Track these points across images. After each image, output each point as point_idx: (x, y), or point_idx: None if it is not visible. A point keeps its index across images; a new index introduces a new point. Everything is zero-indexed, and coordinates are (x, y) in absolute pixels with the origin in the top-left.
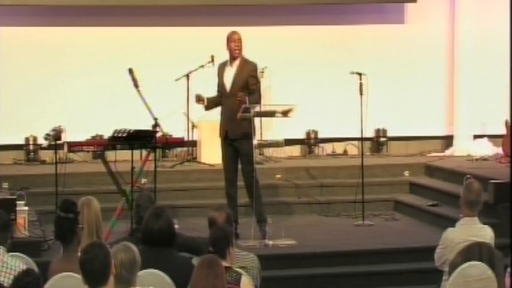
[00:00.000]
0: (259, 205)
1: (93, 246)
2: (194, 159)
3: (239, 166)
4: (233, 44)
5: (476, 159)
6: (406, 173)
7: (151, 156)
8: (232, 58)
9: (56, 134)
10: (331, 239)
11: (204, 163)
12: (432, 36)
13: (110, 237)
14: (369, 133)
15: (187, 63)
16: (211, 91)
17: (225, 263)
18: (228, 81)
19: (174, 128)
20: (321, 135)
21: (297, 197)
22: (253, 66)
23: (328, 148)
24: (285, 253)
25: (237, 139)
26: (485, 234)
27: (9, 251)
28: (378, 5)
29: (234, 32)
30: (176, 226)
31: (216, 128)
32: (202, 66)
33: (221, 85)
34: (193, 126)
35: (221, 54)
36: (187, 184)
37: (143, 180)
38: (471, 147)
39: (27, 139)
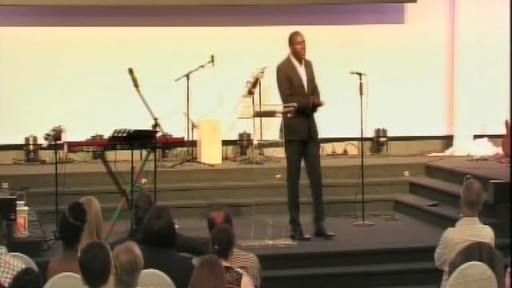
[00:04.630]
0: (322, 203)
1: (92, 246)
2: (194, 159)
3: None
4: (299, 46)
5: (476, 159)
6: (406, 173)
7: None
8: (299, 59)
9: (56, 134)
10: (331, 239)
11: (204, 163)
12: (432, 36)
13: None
14: (369, 133)
15: (187, 63)
16: (211, 91)
17: (225, 263)
18: (304, 82)
19: (174, 128)
20: (321, 135)
21: None
22: (312, 64)
23: (328, 148)
24: (285, 253)
25: (316, 138)
26: (485, 234)
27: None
28: (378, 5)
29: (298, 34)
30: (176, 226)
31: (216, 128)
32: (202, 66)
33: (299, 86)
34: (193, 126)
35: (221, 54)
36: (187, 184)
37: (143, 180)
38: (471, 147)
39: (27, 139)
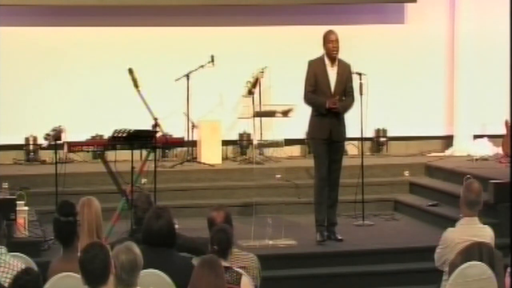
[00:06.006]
0: (335, 209)
1: (93, 246)
2: (194, 159)
3: None
4: (331, 45)
5: (476, 159)
6: (406, 173)
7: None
8: (331, 59)
9: (56, 134)
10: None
11: (204, 163)
12: (432, 36)
13: (107, 241)
14: (369, 133)
15: (187, 63)
16: (211, 91)
17: (225, 263)
18: (332, 82)
19: (174, 128)
20: None
21: (297, 197)
22: (350, 67)
23: None
24: (285, 253)
25: (339, 141)
26: (485, 234)
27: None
28: (378, 5)
29: (331, 32)
30: (176, 226)
31: (216, 128)
32: (202, 66)
33: (325, 85)
34: (193, 126)
35: (221, 54)
36: (187, 184)
37: (143, 180)
38: (471, 147)
39: (27, 139)
